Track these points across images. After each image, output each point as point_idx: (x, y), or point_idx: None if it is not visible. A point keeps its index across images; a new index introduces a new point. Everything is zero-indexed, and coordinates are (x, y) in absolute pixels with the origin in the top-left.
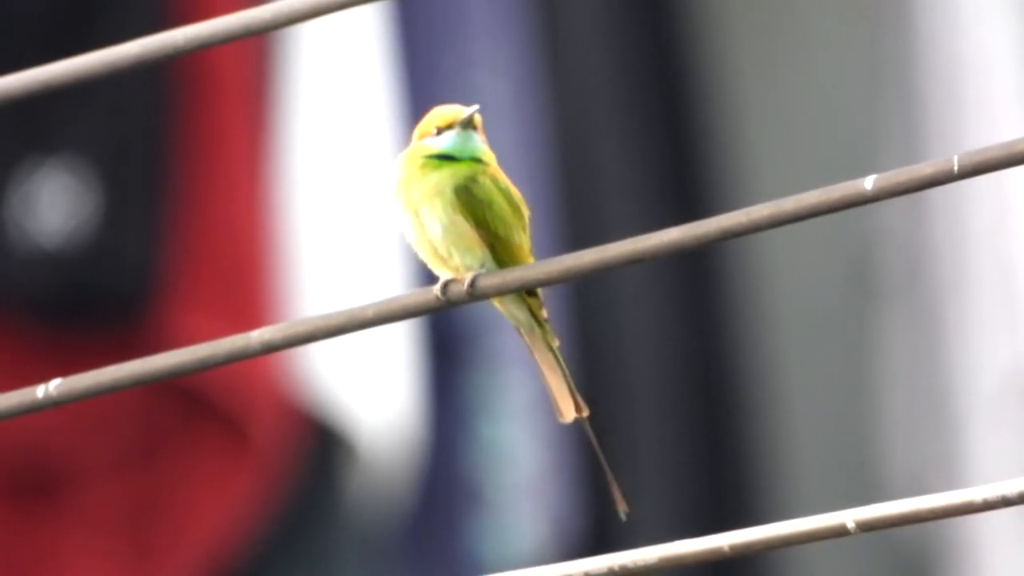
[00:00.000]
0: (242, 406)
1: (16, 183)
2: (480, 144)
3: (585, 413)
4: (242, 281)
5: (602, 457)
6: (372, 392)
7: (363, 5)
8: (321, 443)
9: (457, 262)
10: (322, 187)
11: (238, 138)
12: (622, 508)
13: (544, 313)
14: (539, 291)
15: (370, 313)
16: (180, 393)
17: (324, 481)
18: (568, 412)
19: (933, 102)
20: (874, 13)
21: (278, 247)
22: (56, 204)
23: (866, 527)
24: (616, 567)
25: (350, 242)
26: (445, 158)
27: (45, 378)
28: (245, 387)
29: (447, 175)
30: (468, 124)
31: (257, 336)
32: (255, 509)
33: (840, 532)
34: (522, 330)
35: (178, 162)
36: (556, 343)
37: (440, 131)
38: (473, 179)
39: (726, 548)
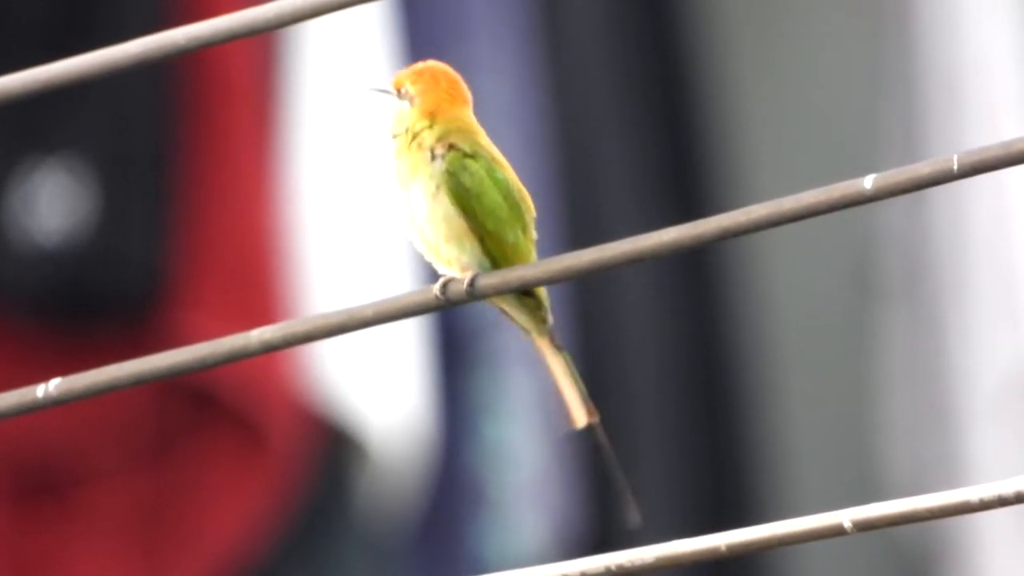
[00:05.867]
0: (255, 408)
1: (15, 182)
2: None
3: (595, 419)
4: (249, 281)
5: (616, 465)
6: (382, 393)
7: (365, 4)
8: (331, 444)
9: (447, 253)
10: (328, 186)
11: (244, 136)
12: (634, 518)
13: (546, 316)
14: (542, 296)
15: (369, 312)
16: (192, 394)
17: (334, 482)
18: (580, 418)
19: (933, 102)
20: (874, 13)
21: (285, 246)
22: (55, 203)
23: (863, 527)
24: (613, 567)
25: (357, 242)
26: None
27: (46, 379)
28: (258, 388)
29: (413, 146)
30: (395, 95)
31: (256, 335)
32: (269, 511)
33: (837, 532)
34: (532, 334)
35: (183, 161)
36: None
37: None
38: (462, 166)
39: (723, 548)
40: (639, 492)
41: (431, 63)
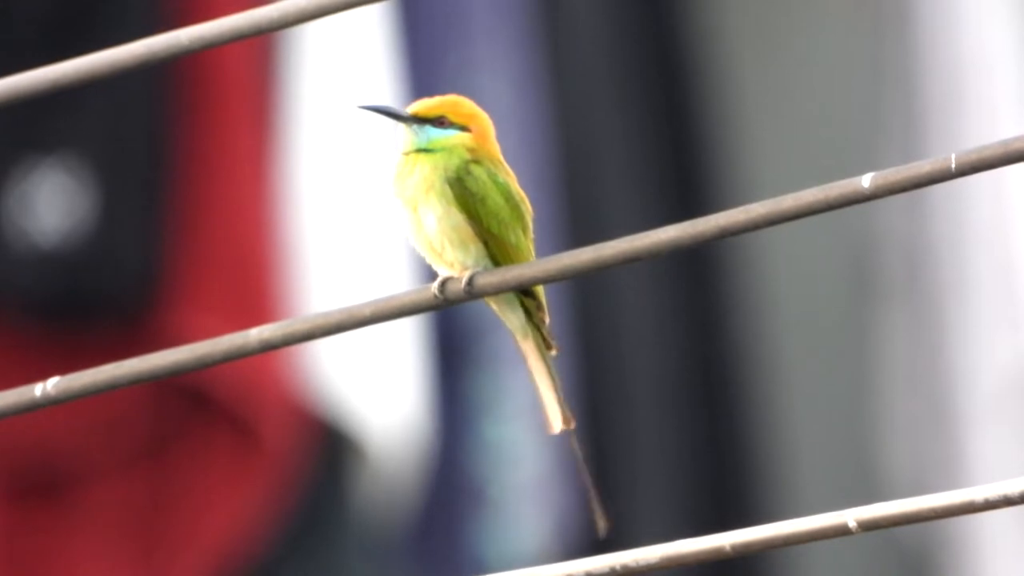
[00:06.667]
0: (252, 408)
1: (13, 182)
2: (431, 134)
3: (572, 425)
4: (246, 281)
5: (587, 473)
6: (381, 394)
7: (368, 5)
8: (330, 444)
9: (451, 257)
10: (326, 186)
11: (242, 136)
12: (603, 525)
13: (544, 317)
14: (541, 296)
15: (368, 311)
16: (189, 394)
17: (332, 482)
18: (556, 423)
19: (933, 101)
20: (875, 12)
21: (283, 246)
22: (53, 204)
23: (867, 526)
24: (618, 566)
25: (355, 241)
26: (424, 150)
27: (45, 379)
28: (255, 389)
29: (438, 166)
30: (407, 120)
31: (256, 334)
32: (264, 510)
33: (841, 531)
34: (517, 336)
35: (180, 161)
36: (552, 352)
37: (419, 121)
38: (466, 171)
39: (728, 548)
40: (640, 490)
41: (459, 98)
